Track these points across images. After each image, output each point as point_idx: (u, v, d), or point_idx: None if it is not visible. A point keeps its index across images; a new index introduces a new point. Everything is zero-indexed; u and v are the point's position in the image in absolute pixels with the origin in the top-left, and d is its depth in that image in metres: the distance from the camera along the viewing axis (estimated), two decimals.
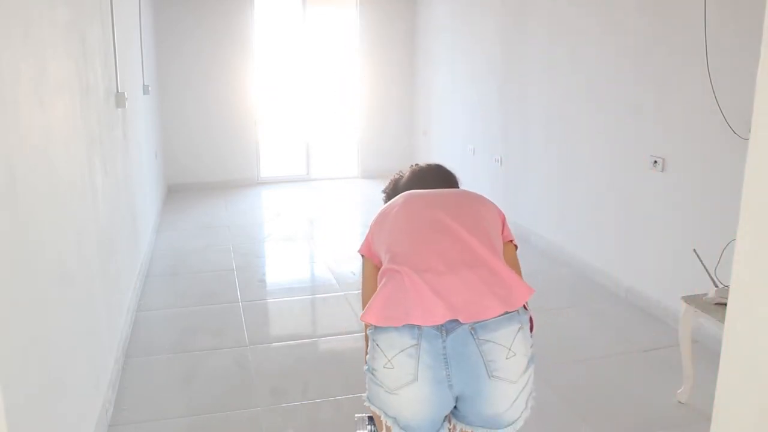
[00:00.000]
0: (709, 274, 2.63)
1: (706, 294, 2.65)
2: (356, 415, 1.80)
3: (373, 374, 1.50)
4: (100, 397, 2.58)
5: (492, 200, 1.77)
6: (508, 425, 1.49)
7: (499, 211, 1.74)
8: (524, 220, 5.21)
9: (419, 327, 1.44)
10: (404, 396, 1.46)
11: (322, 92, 7.79)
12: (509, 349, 1.44)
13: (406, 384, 1.45)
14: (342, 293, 4.13)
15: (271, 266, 4.94)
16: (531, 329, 1.54)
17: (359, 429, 1.73)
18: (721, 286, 2.61)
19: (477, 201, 1.74)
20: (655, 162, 3.63)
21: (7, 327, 1.56)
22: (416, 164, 1.98)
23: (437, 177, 1.91)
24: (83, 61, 2.71)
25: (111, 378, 2.81)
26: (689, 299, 2.68)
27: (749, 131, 0.79)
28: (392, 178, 1.99)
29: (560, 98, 4.64)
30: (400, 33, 7.62)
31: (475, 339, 1.44)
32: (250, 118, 7.35)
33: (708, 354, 3.01)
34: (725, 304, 2.30)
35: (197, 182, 7.24)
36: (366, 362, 1.55)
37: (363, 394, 1.58)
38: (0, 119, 1.59)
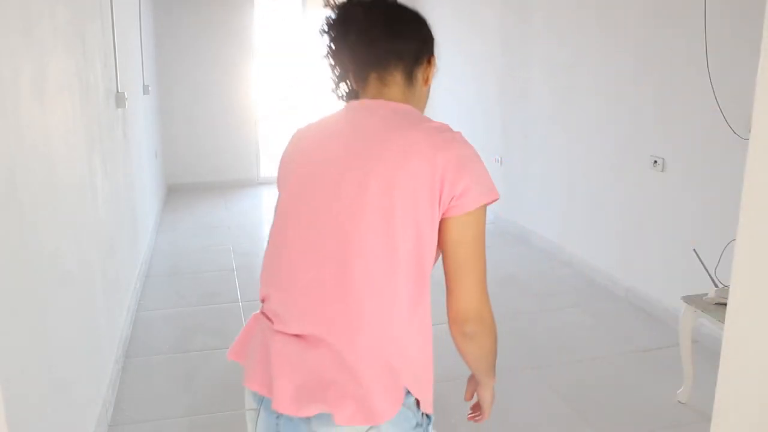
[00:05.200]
0: (709, 274, 2.63)
1: (706, 294, 2.65)
2: None
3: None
4: (100, 397, 2.58)
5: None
6: None
7: (440, 169, 1.10)
8: (524, 220, 5.21)
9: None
10: None
11: (322, 92, 7.78)
12: None
13: None
14: None
15: None
16: (419, 404, 1.17)
17: None
18: (721, 286, 2.61)
19: (401, 176, 1.11)
20: (655, 162, 3.63)
21: (7, 327, 1.56)
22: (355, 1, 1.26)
23: (388, 46, 1.25)
24: (83, 61, 2.71)
25: (111, 378, 2.81)
26: (689, 299, 2.68)
27: (749, 131, 0.80)
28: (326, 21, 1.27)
29: (560, 98, 4.64)
30: None
31: (308, 429, 1.14)
32: (250, 118, 7.35)
33: (708, 354, 3.01)
34: (725, 304, 2.30)
35: (197, 182, 7.24)
36: None
37: None
38: (0, 119, 1.59)
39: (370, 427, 1.10)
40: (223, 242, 5.23)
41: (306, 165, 1.24)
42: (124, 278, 3.53)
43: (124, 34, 4.07)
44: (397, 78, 1.26)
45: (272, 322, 1.21)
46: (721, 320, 2.47)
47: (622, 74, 3.92)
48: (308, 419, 1.13)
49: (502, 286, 4.22)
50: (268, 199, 7.02)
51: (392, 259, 1.11)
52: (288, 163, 1.29)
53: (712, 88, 3.08)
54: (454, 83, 6.61)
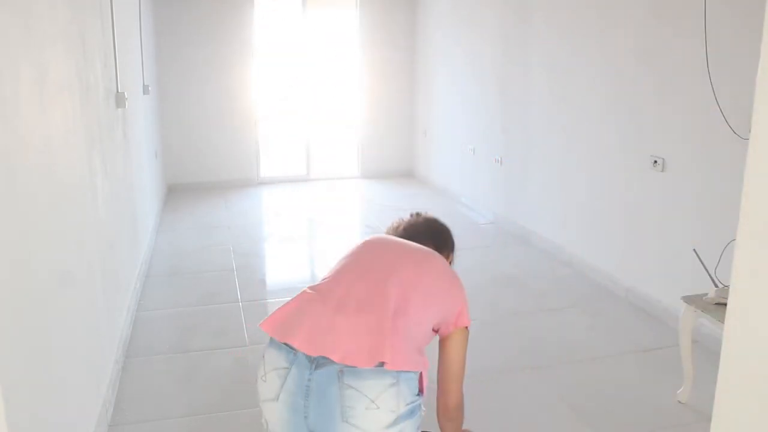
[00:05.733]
0: (709, 274, 2.63)
1: (706, 294, 2.65)
2: None
3: (256, 379, 1.60)
4: (100, 397, 2.58)
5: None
6: None
7: (460, 299, 1.71)
8: (524, 220, 5.21)
9: (295, 353, 1.49)
10: (267, 410, 1.57)
11: (322, 92, 7.79)
12: (372, 401, 1.43)
13: (269, 400, 1.54)
14: None
15: (271, 266, 4.94)
16: (421, 389, 1.53)
17: None
18: (721, 286, 2.61)
19: (437, 277, 1.71)
20: (655, 162, 3.63)
21: (7, 327, 1.56)
22: (416, 214, 2.04)
23: (427, 232, 1.96)
24: (83, 61, 2.71)
25: (111, 378, 2.81)
26: (689, 299, 2.68)
27: (749, 131, 0.79)
28: (392, 224, 2.04)
29: (560, 98, 4.64)
30: (400, 33, 7.62)
31: (339, 381, 1.45)
32: (250, 118, 7.35)
33: (708, 354, 3.01)
34: (725, 304, 2.30)
35: (197, 182, 7.24)
36: None
37: None
38: (0, 119, 1.59)
39: (393, 383, 1.45)
40: (223, 242, 5.23)
41: (366, 250, 1.79)
42: (124, 278, 3.53)
43: (124, 34, 4.07)
44: (430, 248, 1.82)
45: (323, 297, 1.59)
46: (721, 320, 2.47)
47: (622, 74, 3.92)
48: (341, 374, 1.44)
49: (502, 286, 4.22)
50: (268, 199, 7.02)
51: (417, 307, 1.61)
52: (352, 250, 1.80)
53: (712, 88, 3.08)
54: (454, 84, 6.60)
